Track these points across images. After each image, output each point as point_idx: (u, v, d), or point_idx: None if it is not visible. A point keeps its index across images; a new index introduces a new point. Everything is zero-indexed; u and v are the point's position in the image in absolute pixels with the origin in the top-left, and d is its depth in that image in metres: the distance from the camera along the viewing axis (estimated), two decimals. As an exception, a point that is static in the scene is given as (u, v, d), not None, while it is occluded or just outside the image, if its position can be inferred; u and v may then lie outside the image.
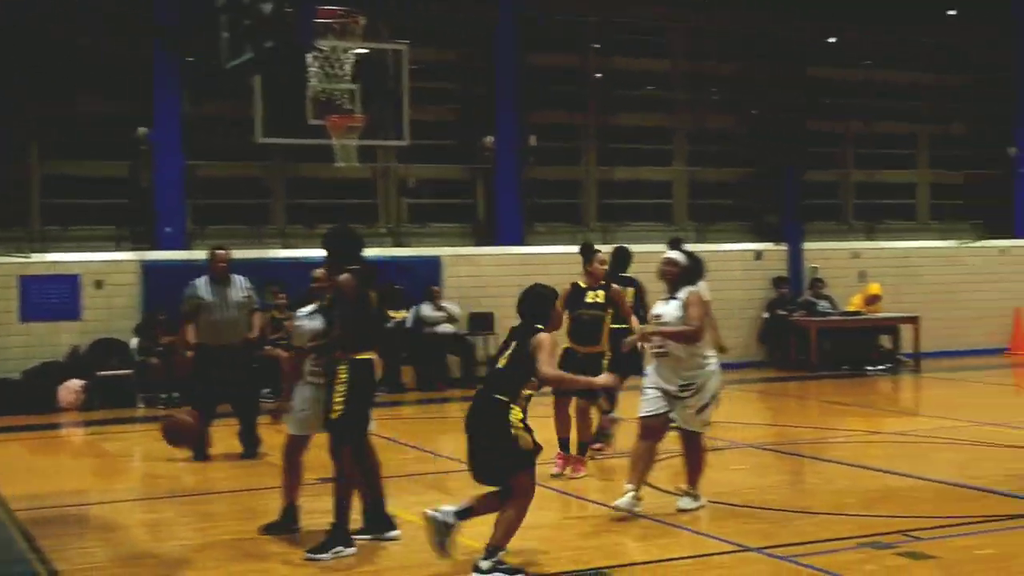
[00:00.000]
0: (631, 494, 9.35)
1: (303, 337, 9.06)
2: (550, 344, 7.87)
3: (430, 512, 7.82)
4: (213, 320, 12.97)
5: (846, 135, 24.60)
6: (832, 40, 24.41)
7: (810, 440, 13.99)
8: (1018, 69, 24.99)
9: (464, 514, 7.86)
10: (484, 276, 20.81)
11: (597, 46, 22.70)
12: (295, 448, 9.15)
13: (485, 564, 7.74)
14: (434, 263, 20.55)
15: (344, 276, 8.54)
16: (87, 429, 16.59)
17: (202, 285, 13.08)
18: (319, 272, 9.18)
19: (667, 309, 9.56)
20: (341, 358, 8.48)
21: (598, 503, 10.00)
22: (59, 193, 19.62)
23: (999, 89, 25.17)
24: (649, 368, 9.72)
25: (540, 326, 8.01)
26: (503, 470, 7.81)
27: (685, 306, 9.45)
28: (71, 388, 17.71)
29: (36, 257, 18.67)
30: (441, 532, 7.77)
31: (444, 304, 20.03)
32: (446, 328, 19.94)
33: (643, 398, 9.62)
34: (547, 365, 7.83)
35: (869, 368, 21.19)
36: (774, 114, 23.32)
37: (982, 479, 10.89)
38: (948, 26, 24.93)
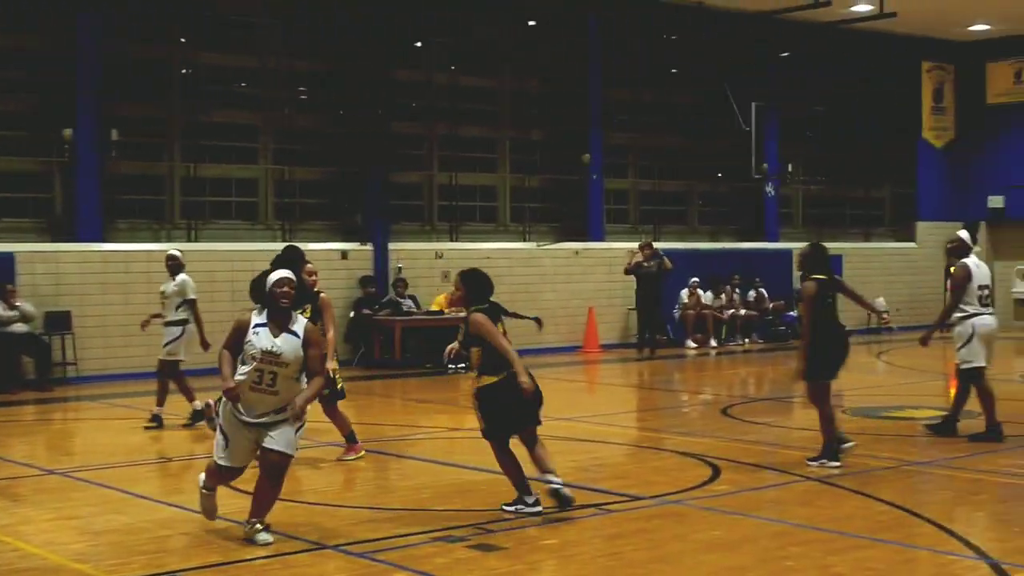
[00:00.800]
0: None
1: None
2: None
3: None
4: None
5: (431, 138, 25.13)
6: (418, 44, 24.89)
7: (393, 437, 14.23)
8: (592, 79, 26.22)
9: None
10: (62, 274, 20.04)
11: (184, 40, 22.25)
12: None
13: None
14: (7, 260, 19.58)
15: None
16: None
17: None
18: None
19: (283, 345, 8.44)
20: None
21: (173, 505, 9.83)
22: None
23: (576, 97, 26.31)
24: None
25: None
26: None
27: (309, 345, 8.56)
28: None
29: None
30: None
31: (18, 303, 19.13)
32: (20, 328, 19.06)
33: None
34: None
35: (452, 366, 21.70)
36: (360, 115, 23.54)
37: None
38: (529, 34, 25.91)
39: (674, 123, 28.43)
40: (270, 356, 8.38)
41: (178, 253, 15.07)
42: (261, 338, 8.42)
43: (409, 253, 23.64)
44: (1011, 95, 31.25)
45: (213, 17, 22.55)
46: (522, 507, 9.41)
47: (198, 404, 14.59)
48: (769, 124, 28.31)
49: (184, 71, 22.32)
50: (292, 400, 8.46)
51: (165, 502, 10.09)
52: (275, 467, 8.51)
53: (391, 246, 23.35)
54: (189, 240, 21.86)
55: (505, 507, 9.54)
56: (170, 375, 14.78)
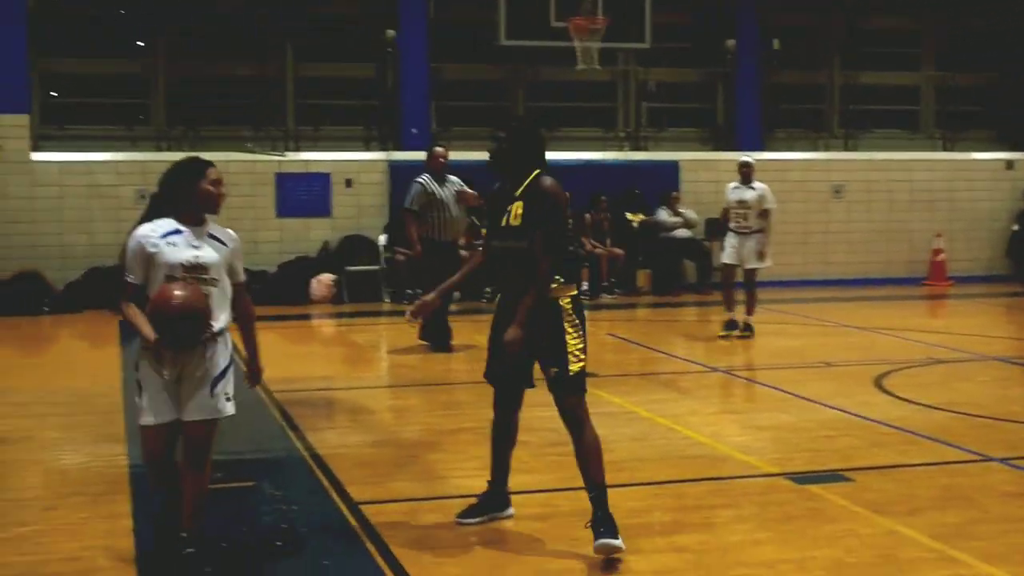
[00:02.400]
0: None
1: None
2: None
3: None
4: (440, 216, 13.33)
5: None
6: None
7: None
8: None
9: None
10: (721, 182, 20.47)
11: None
12: None
13: None
14: (672, 168, 20.53)
15: None
16: (337, 321, 17.31)
17: (429, 182, 13.40)
18: None
19: None
20: None
21: (837, 408, 9.97)
22: (312, 94, 20.29)
23: None
24: None
25: None
26: None
27: None
28: (323, 282, 18.45)
29: (291, 156, 19.38)
30: None
31: (681, 210, 20.05)
32: (682, 233, 19.98)
33: None
34: None
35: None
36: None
37: None
38: None
39: None
40: None
41: (752, 160, 15.19)
42: None
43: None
44: None
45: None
46: None
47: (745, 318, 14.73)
48: None
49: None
50: None
51: (829, 405, 10.18)
52: None
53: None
54: (846, 150, 21.87)
55: None
56: (752, 282, 14.94)
